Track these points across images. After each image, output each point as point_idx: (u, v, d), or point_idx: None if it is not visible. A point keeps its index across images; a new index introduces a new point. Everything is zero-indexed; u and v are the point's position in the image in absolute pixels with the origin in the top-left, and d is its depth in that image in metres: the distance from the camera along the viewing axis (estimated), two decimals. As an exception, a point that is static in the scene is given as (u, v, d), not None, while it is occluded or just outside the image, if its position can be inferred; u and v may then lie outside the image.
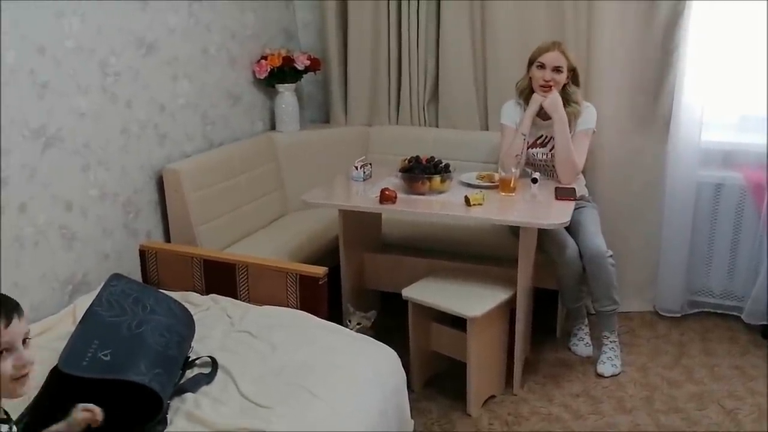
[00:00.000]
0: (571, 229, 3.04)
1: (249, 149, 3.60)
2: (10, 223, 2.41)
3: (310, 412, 1.96)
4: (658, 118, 3.46)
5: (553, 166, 3.18)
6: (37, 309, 2.53)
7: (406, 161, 3.09)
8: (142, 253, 2.87)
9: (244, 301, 2.67)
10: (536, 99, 3.12)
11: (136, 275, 2.83)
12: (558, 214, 2.77)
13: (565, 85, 3.14)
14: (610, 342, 3.17)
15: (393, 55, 3.90)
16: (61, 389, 1.81)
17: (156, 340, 2.02)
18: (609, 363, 3.12)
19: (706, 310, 3.65)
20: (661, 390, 3.00)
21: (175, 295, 2.52)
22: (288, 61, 3.76)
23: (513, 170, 2.99)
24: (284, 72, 3.78)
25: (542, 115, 3.16)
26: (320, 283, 2.57)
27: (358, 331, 2.89)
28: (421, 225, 3.42)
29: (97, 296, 2.14)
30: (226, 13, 3.53)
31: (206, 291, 2.74)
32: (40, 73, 2.48)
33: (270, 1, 3.90)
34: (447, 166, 3.06)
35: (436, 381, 3.04)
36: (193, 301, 2.59)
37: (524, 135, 3.13)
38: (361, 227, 3.26)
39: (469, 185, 3.10)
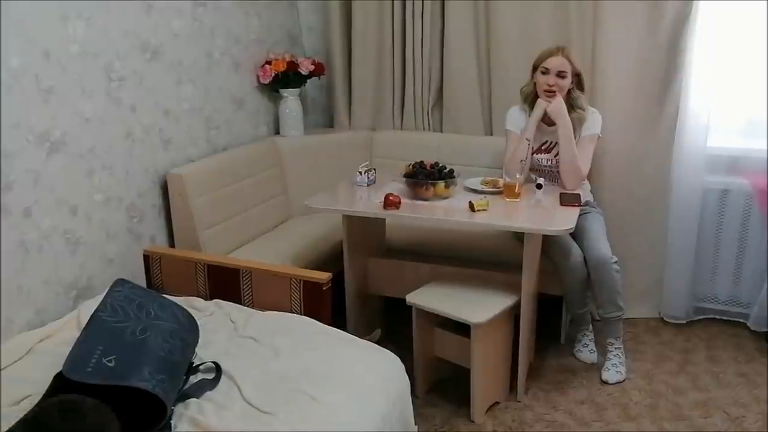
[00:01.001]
0: (576, 235, 3.03)
1: (253, 154, 3.60)
2: (14, 228, 2.41)
3: (312, 418, 1.95)
4: (664, 124, 3.45)
5: (558, 172, 3.17)
6: (41, 314, 2.53)
7: (410, 166, 3.08)
8: (147, 258, 2.87)
9: (247, 306, 2.66)
10: (540, 104, 3.11)
11: (140, 280, 2.82)
12: (563, 220, 2.76)
13: (569, 91, 3.13)
14: (615, 348, 3.16)
15: (397, 60, 3.90)
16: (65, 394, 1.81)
17: (160, 346, 2.01)
18: (614, 370, 3.11)
19: (711, 316, 3.64)
20: (666, 397, 2.99)
21: (179, 299, 2.52)
22: (292, 66, 3.76)
23: (517, 176, 2.98)
24: (288, 77, 3.78)
25: (547, 120, 3.15)
26: (324, 288, 2.57)
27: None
28: (425, 230, 3.41)
29: (101, 301, 2.14)
30: (230, 17, 3.53)
31: (210, 296, 2.74)
32: (45, 78, 2.48)
33: (274, 5, 3.91)
34: (451, 171, 3.06)
35: (440, 387, 3.04)
36: (197, 306, 2.59)
37: (529, 140, 3.13)
38: (365, 232, 3.26)
39: (474, 191, 3.09)
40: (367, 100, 4.05)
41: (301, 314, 2.57)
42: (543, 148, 3.22)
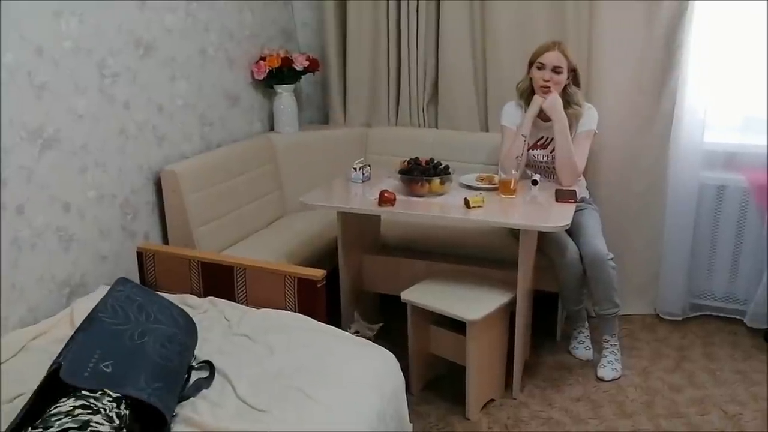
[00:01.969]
0: (572, 231, 3.02)
1: (247, 150, 3.58)
2: (7, 225, 2.39)
3: (307, 415, 1.95)
4: (660, 119, 3.45)
5: (554, 168, 3.16)
6: (34, 311, 2.52)
7: (406, 163, 3.07)
8: (140, 255, 2.85)
9: (242, 303, 2.65)
10: (536, 100, 3.11)
11: (134, 277, 2.81)
12: (558, 217, 2.76)
13: (566, 86, 3.12)
14: (611, 345, 3.15)
15: (392, 56, 3.89)
16: (60, 394, 1.80)
17: (157, 352, 1.99)
18: (609, 367, 3.10)
19: (708, 313, 3.64)
20: (662, 394, 2.99)
21: (173, 297, 2.51)
22: (287, 61, 3.75)
23: (513, 172, 2.97)
24: (283, 73, 3.77)
25: (543, 116, 3.14)
26: (319, 285, 2.55)
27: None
28: (421, 227, 3.40)
29: (101, 301, 2.12)
30: (224, 13, 3.51)
31: (204, 293, 2.72)
32: (38, 74, 2.47)
33: (268, 1, 3.89)
34: (446, 167, 3.05)
35: (435, 384, 3.03)
36: (191, 304, 2.58)
37: (525, 136, 3.12)
38: (360, 229, 3.25)
39: (469, 187, 3.08)
40: (362, 96, 4.04)
41: (295, 311, 2.56)
42: (539, 144, 3.22)
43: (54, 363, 1.83)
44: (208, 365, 2.16)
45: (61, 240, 2.63)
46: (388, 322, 3.00)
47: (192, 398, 2.01)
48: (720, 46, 3.28)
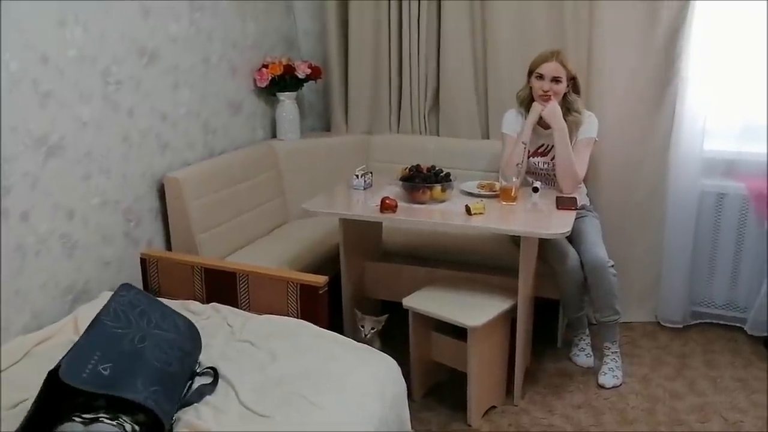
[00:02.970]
0: (573, 238, 3.04)
1: (250, 157, 3.60)
2: (12, 232, 2.41)
3: (309, 421, 1.96)
4: (660, 127, 3.46)
5: (555, 175, 3.18)
6: (38, 317, 2.53)
7: (407, 170, 3.09)
8: (143, 262, 2.87)
9: (244, 309, 2.66)
10: (536, 108, 3.13)
11: (137, 283, 2.80)
12: (559, 224, 2.77)
13: (565, 94, 3.14)
14: (612, 353, 3.16)
15: (394, 64, 3.91)
16: (61, 395, 1.81)
17: (156, 357, 2.00)
18: (610, 374, 3.11)
19: (708, 321, 3.64)
20: (663, 402, 2.99)
21: (176, 303, 2.52)
22: (289, 69, 3.77)
23: (514, 179, 2.99)
24: (285, 80, 3.79)
25: (543, 124, 3.16)
26: (321, 292, 2.57)
27: (371, 336, 2.89)
28: (422, 234, 3.42)
29: (105, 305, 2.13)
30: (227, 21, 3.54)
31: (207, 299, 2.73)
32: (43, 82, 2.49)
33: (271, 9, 3.91)
34: (448, 175, 3.06)
35: (437, 391, 3.04)
36: (194, 310, 2.59)
37: (525, 144, 3.13)
38: (361, 236, 3.26)
39: (470, 194, 3.10)
40: (363, 103, 4.06)
41: (298, 318, 2.57)
42: (539, 151, 3.23)
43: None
44: (213, 371, 2.17)
45: (65, 246, 2.64)
46: (390, 329, 3.01)
47: (195, 404, 2.02)
48: (719, 53, 3.30)
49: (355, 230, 3.17)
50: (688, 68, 3.34)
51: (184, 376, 2.11)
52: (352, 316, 3.10)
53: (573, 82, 3.15)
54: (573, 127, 3.14)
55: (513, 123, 3.26)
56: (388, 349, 2.50)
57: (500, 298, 2.86)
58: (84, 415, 1.78)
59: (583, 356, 3.26)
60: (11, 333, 2.42)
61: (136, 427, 1.79)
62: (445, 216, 2.90)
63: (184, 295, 2.73)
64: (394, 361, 2.38)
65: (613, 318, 3.08)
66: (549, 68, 3.09)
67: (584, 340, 3.30)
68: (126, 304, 2.16)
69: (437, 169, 3.09)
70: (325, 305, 2.60)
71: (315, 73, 3.89)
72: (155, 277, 2.85)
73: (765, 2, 3.18)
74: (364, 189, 3.19)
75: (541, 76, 3.10)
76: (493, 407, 2.93)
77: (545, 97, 3.10)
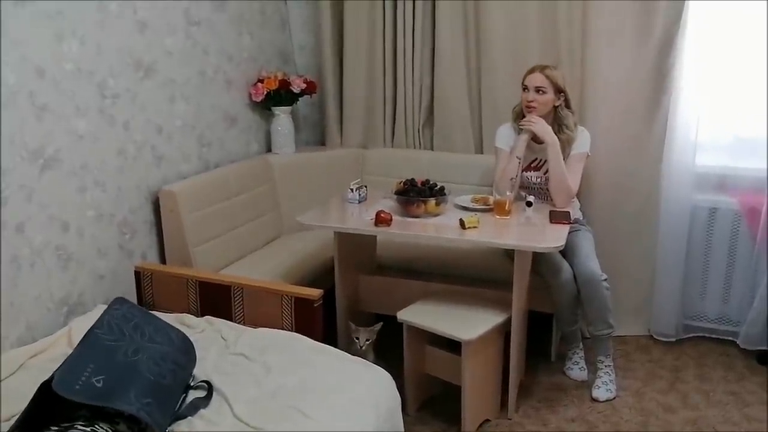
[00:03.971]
0: (566, 252, 3.05)
1: (245, 171, 3.61)
2: (7, 244, 2.41)
3: (304, 435, 1.96)
4: (652, 142, 3.49)
5: (548, 189, 3.19)
6: (32, 330, 2.53)
7: (402, 184, 3.10)
8: (138, 274, 2.87)
9: (239, 322, 2.66)
10: (525, 125, 3.15)
11: (131, 296, 2.82)
12: (553, 238, 2.78)
13: (557, 110, 3.16)
14: (605, 366, 3.17)
15: (388, 78, 3.93)
16: (53, 405, 1.81)
17: (150, 369, 2.00)
18: (604, 387, 3.12)
19: (701, 334, 3.65)
20: (656, 415, 3.00)
21: (171, 316, 2.52)
22: (284, 84, 3.79)
23: (508, 193, 3.00)
24: (280, 95, 3.80)
25: (536, 138, 3.17)
26: (315, 305, 2.57)
27: (366, 348, 2.89)
28: (417, 247, 3.42)
29: (99, 318, 2.13)
30: (223, 36, 3.56)
31: (201, 312, 2.74)
32: (39, 95, 2.50)
33: (267, 24, 3.94)
34: (442, 188, 3.07)
35: (431, 404, 3.04)
36: (188, 323, 2.59)
37: (519, 158, 3.15)
38: (356, 249, 3.27)
39: (464, 208, 3.11)
40: (358, 117, 4.07)
41: (292, 331, 2.57)
42: (533, 165, 3.25)
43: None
44: (207, 385, 2.17)
45: (60, 259, 2.65)
46: (384, 342, 3.01)
47: (189, 417, 2.02)
48: (712, 68, 3.32)
49: (349, 244, 3.18)
50: (680, 83, 3.37)
51: (178, 389, 2.11)
52: (346, 329, 3.10)
53: (564, 97, 3.17)
54: (565, 144, 3.16)
55: (507, 137, 3.28)
56: (382, 362, 2.50)
57: (494, 312, 2.87)
58: (61, 425, 1.77)
59: (577, 370, 3.27)
60: (6, 345, 2.42)
61: None
62: (439, 230, 2.91)
63: (179, 308, 2.73)
64: (389, 375, 2.38)
65: (606, 331, 3.09)
66: (532, 79, 3.13)
67: (578, 353, 3.30)
68: (120, 317, 2.16)
69: (432, 183, 3.10)
70: (319, 318, 2.60)
71: (310, 88, 3.91)
72: (149, 289, 2.85)
73: (760, 14, 3.20)
74: (359, 202, 3.20)
75: (526, 88, 3.14)
76: (487, 420, 2.93)
77: (529, 108, 3.13)
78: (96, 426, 1.78)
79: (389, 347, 3.00)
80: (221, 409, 2.07)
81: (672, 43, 3.34)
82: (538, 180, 3.24)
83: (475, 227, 2.84)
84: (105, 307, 2.26)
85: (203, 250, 3.16)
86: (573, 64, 3.49)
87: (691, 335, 3.65)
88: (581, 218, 3.34)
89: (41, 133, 2.52)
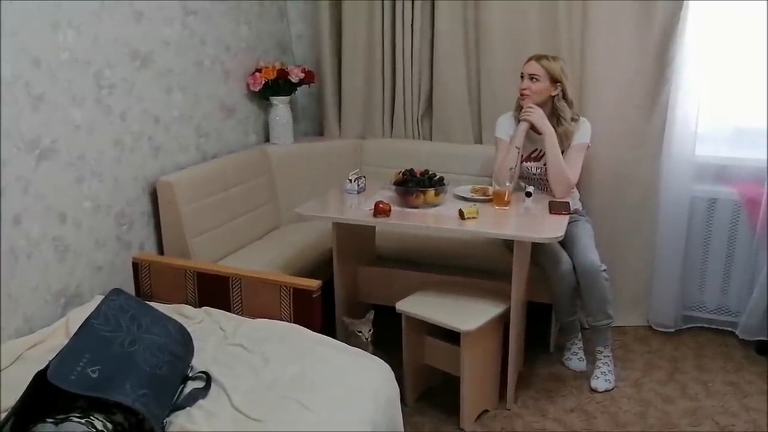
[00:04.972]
0: (565, 243, 3.05)
1: (243, 161, 3.60)
2: (4, 235, 2.40)
3: (302, 425, 1.95)
4: (652, 132, 3.48)
5: (547, 180, 3.18)
6: (29, 321, 2.52)
7: (400, 174, 3.09)
8: (135, 265, 2.86)
9: (237, 313, 2.66)
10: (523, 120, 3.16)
11: (129, 287, 2.82)
12: (552, 228, 2.78)
13: (554, 102, 3.15)
14: (604, 357, 3.17)
15: (387, 68, 3.92)
16: (47, 395, 1.81)
17: (146, 360, 2.00)
18: (603, 378, 3.12)
19: (699, 325, 3.66)
20: (655, 405, 3.00)
21: (168, 307, 2.52)
22: (282, 73, 3.77)
23: (507, 184, 2.99)
24: (278, 85, 3.79)
25: (536, 129, 3.16)
26: (314, 296, 2.57)
27: (370, 337, 2.90)
28: (415, 238, 3.42)
29: (96, 308, 2.13)
30: (220, 25, 3.54)
31: (199, 303, 2.73)
32: (35, 86, 2.48)
33: (265, 13, 3.92)
34: (441, 179, 3.07)
35: (430, 395, 3.04)
36: (186, 314, 2.58)
37: (518, 148, 3.14)
38: (354, 240, 3.26)
39: (464, 198, 3.10)
40: (356, 108, 4.06)
41: (290, 322, 2.57)
42: (532, 156, 3.24)
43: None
44: (205, 376, 2.17)
45: (57, 250, 2.63)
46: (383, 333, 3.01)
47: (188, 408, 2.02)
48: (712, 59, 3.32)
49: (348, 234, 3.17)
50: (680, 74, 3.36)
51: (176, 380, 2.11)
52: (342, 321, 3.10)
53: (560, 88, 3.15)
54: (563, 137, 3.14)
55: (507, 127, 3.27)
56: (380, 353, 2.50)
57: (493, 303, 2.86)
58: (57, 416, 1.77)
59: (576, 360, 3.27)
60: (3, 337, 2.41)
61: (108, 425, 1.78)
62: (438, 220, 2.91)
63: (177, 299, 2.73)
64: (387, 365, 2.37)
65: (605, 322, 3.09)
66: (528, 68, 3.15)
67: (577, 344, 3.30)
68: (117, 308, 2.15)
69: (431, 173, 3.09)
70: (318, 309, 2.60)
71: (308, 78, 3.89)
72: (147, 281, 2.84)
73: (759, 7, 3.20)
74: (358, 193, 3.19)
75: (522, 76, 3.15)
76: (486, 411, 2.93)
77: (522, 96, 3.14)
78: (92, 417, 1.77)
79: (388, 338, 2.99)
80: (220, 399, 2.07)
81: (672, 34, 3.33)
82: (538, 171, 3.23)
83: (474, 218, 2.84)
84: (102, 298, 2.26)
85: (201, 241, 3.16)
86: (573, 56, 3.47)
87: (690, 326, 3.66)
88: (581, 209, 3.34)
89: (37, 123, 2.50)
